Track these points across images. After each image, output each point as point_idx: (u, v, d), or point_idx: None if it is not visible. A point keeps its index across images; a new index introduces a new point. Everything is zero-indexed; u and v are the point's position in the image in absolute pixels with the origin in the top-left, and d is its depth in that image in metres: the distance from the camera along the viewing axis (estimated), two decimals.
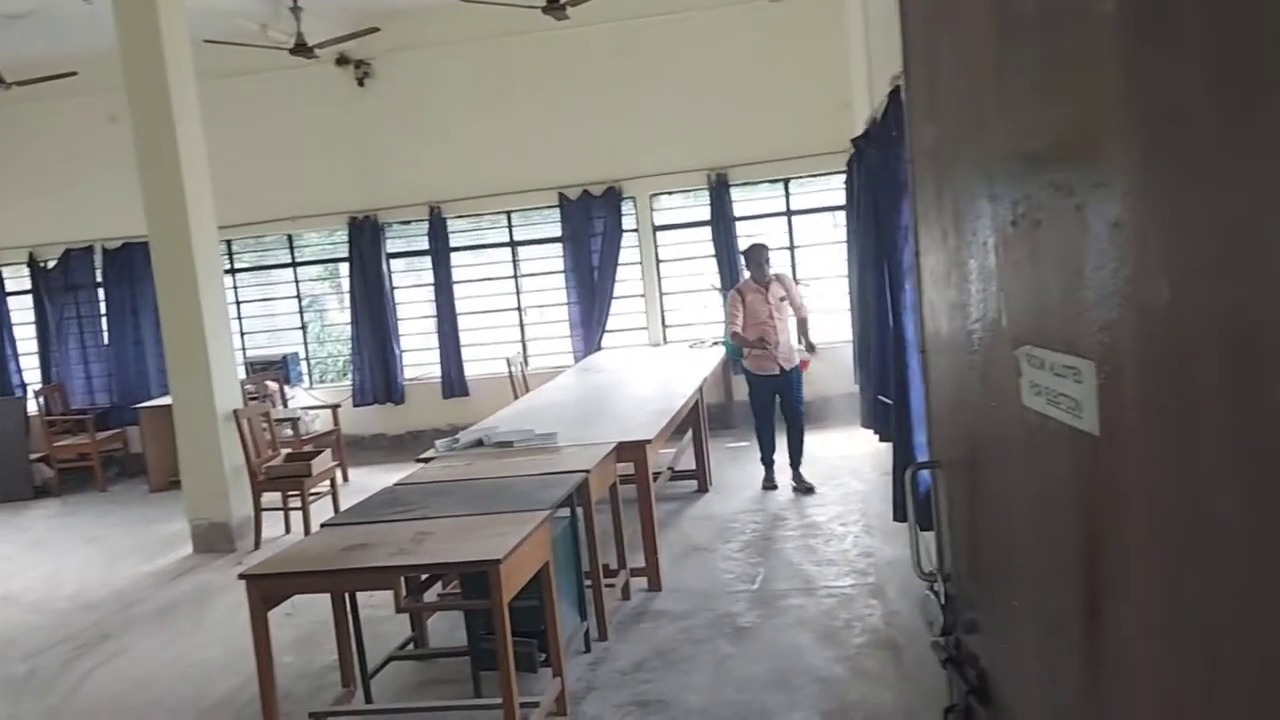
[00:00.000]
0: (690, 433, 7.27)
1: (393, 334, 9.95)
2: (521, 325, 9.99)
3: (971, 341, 1.73)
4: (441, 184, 9.69)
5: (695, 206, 9.55)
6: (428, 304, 9.97)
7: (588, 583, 4.62)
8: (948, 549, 1.99)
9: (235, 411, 6.95)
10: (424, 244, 9.89)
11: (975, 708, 1.83)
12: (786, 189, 9.40)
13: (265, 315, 10.63)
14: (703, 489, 7.19)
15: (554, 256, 9.76)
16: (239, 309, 10.22)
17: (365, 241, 9.84)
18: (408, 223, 9.99)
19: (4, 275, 10.83)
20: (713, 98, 9.13)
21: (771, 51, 9.02)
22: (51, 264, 10.47)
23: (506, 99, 9.49)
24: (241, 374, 8.66)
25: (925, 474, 2.10)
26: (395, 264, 10.12)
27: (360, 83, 9.76)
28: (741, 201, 9.41)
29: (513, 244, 9.93)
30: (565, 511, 4.34)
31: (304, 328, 10.46)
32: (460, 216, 9.89)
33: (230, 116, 9.09)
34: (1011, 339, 1.51)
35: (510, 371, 8.71)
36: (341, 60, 9.60)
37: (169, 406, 7.42)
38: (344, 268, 10.16)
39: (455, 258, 9.89)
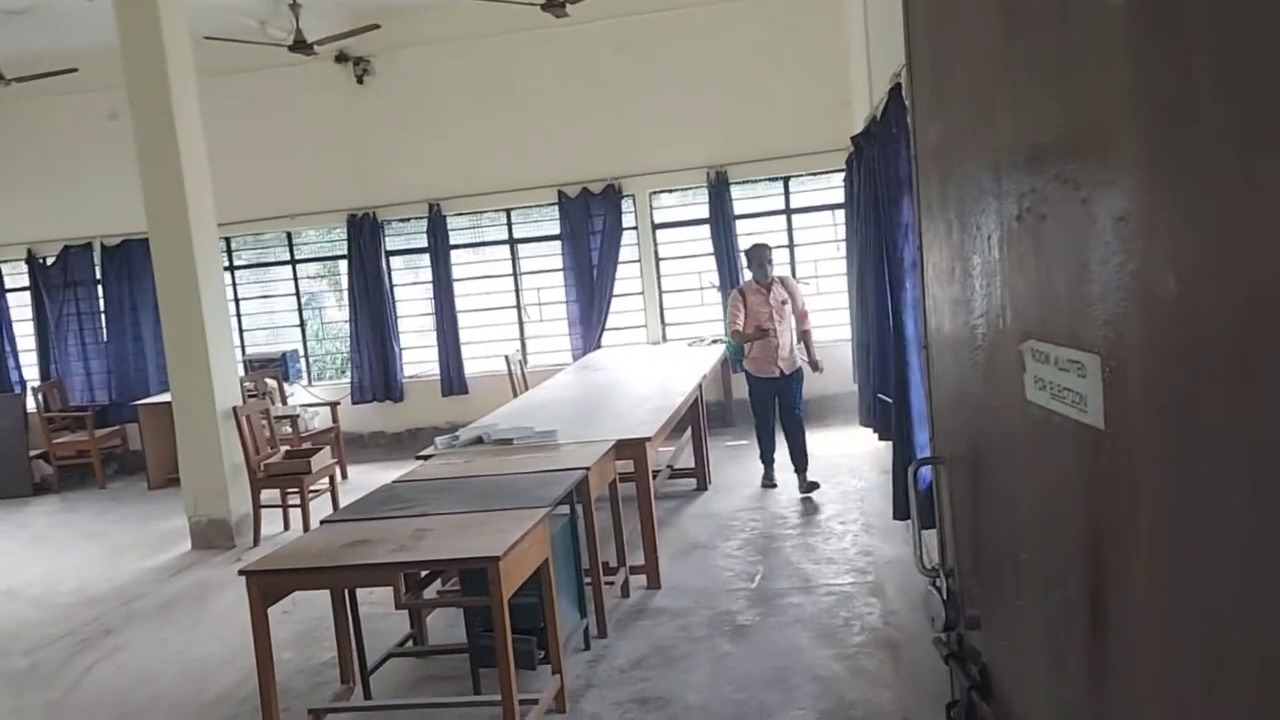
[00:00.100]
0: (689, 431, 7.26)
1: (392, 331, 9.94)
2: (521, 323, 9.99)
3: (975, 337, 1.72)
4: (441, 181, 9.68)
5: (694, 204, 9.54)
6: (427, 301, 9.97)
7: (587, 580, 4.62)
8: (950, 545, 1.99)
9: (235, 409, 6.95)
10: (423, 241, 9.88)
11: (977, 703, 1.83)
12: (786, 187, 9.40)
13: (264, 312, 10.62)
14: (702, 487, 7.18)
15: (553, 254, 9.76)
16: (238, 306, 10.22)
17: (364, 239, 9.83)
18: (407, 220, 9.98)
19: (3, 272, 10.81)
20: (712, 95, 9.13)
21: (771, 49, 9.02)
22: (51, 260, 10.45)
23: (506, 96, 9.48)
24: (241, 371, 8.65)
25: (926, 470, 2.10)
26: (394, 261, 10.11)
27: (359, 80, 9.75)
28: (741, 199, 9.41)
29: (512, 242, 9.92)
30: (565, 509, 4.33)
31: (303, 325, 10.45)
32: (459, 214, 9.88)
33: (229, 113, 9.08)
34: (1015, 334, 1.51)
35: (509, 369, 8.70)
36: (341, 57, 9.60)
37: (168, 403, 7.42)
38: (343, 265, 10.14)
39: (454, 255, 9.89)
